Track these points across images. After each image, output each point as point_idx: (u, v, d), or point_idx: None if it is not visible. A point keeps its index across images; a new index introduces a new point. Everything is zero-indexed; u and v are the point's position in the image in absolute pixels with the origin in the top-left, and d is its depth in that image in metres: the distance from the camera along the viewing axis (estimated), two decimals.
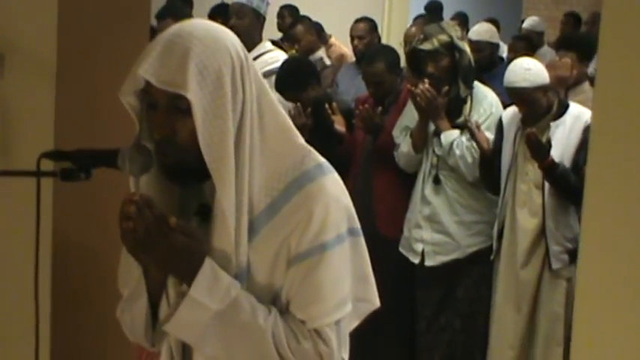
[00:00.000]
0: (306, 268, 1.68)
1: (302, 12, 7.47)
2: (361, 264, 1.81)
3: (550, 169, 3.83)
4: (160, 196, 1.71)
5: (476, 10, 10.21)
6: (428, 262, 4.24)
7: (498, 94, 4.31)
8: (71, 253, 2.63)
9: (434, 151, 4.21)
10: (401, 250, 4.35)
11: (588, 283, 2.16)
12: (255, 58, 4.63)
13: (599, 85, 2.19)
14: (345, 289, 1.74)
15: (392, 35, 8.19)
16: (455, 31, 4.20)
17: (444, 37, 4.13)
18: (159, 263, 1.66)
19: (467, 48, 4.21)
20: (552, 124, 3.93)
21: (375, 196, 4.43)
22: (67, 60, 2.58)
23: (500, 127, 4.12)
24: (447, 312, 4.28)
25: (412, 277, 4.36)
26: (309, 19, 6.94)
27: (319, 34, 6.92)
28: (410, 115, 4.28)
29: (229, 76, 1.64)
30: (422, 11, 9.15)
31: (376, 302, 1.87)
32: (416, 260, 4.28)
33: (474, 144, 4.08)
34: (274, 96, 1.83)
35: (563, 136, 3.90)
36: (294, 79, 4.44)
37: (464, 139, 4.12)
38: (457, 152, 4.10)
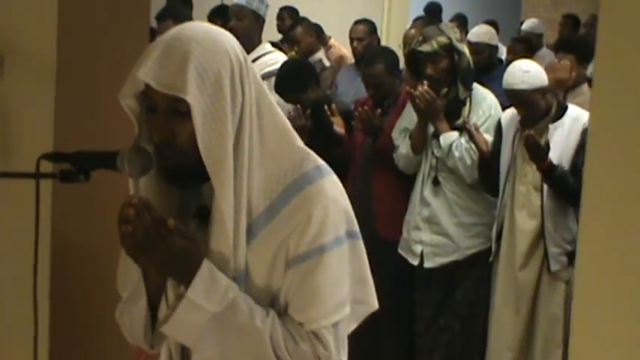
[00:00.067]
0: (304, 270, 1.68)
1: (301, 14, 7.48)
2: (360, 266, 1.81)
3: (548, 171, 3.83)
4: (159, 198, 1.72)
5: (475, 12, 10.22)
6: (427, 264, 4.24)
7: (497, 96, 4.32)
8: (70, 254, 2.63)
9: (433, 153, 4.21)
10: (400, 251, 4.36)
11: (586, 285, 2.16)
12: (254, 60, 4.64)
13: (597, 88, 2.19)
14: (344, 292, 1.74)
15: (391, 37, 8.19)
16: (454, 33, 4.21)
17: (443, 39, 4.14)
18: (157, 266, 1.67)
19: (466, 50, 4.21)
20: (551, 126, 3.93)
21: (375, 198, 4.44)
22: (66, 61, 2.58)
23: (499, 129, 4.13)
24: (445, 314, 4.28)
25: (411, 278, 4.36)
26: (309, 21, 6.94)
27: (319, 36, 6.92)
28: (409, 117, 4.28)
29: (229, 79, 1.64)
30: (421, 13, 9.16)
31: (374, 304, 1.87)
32: (415, 262, 4.28)
33: (473, 146, 4.08)
34: (273, 98, 1.84)
35: (562, 138, 3.90)
36: (293, 81, 4.45)
37: (463, 140, 4.12)
38: (456, 154, 4.10)
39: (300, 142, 1.77)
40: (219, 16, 6.15)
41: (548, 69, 4.37)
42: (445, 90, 4.11)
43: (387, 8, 8.54)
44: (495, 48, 6.25)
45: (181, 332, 1.69)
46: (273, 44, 5.08)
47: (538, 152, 3.82)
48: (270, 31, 6.54)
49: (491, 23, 7.59)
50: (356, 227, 1.79)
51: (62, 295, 2.60)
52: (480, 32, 6.16)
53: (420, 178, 4.29)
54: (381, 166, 4.43)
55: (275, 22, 7.45)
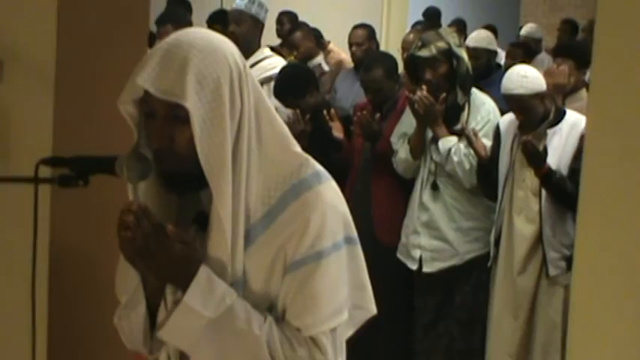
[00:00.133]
0: (302, 275, 1.68)
1: (301, 18, 7.48)
2: (358, 272, 1.81)
3: (547, 177, 3.83)
4: (158, 204, 1.72)
5: (474, 17, 10.22)
6: (426, 269, 4.24)
7: (496, 101, 4.32)
8: (68, 259, 2.63)
9: (432, 158, 4.22)
10: (399, 256, 4.36)
11: (583, 290, 2.16)
12: (253, 65, 4.64)
13: (593, 93, 2.20)
14: (342, 297, 1.74)
15: (390, 42, 8.21)
16: (452, 38, 4.21)
17: (441, 44, 4.14)
18: (156, 271, 1.67)
19: (464, 55, 4.22)
20: (549, 131, 3.93)
21: (373, 203, 4.44)
22: (65, 66, 2.59)
23: (497, 134, 4.13)
24: (444, 319, 4.28)
25: (410, 283, 4.36)
26: (308, 26, 6.95)
27: (318, 41, 6.93)
28: (408, 122, 4.28)
29: (228, 85, 1.64)
30: (420, 18, 9.17)
31: (373, 310, 1.87)
32: (414, 267, 4.28)
33: (472, 151, 4.08)
34: (272, 103, 1.85)
35: (560, 144, 3.90)
36: (292, 86, 4.45)
37: (462, 145, 4.12)
38: (455, 159, 4.10)
39: (298, 148, 1.78)
40: (218, 21, 6.16)
41: (547, 74, 4.37)
42: (444, 95, 4.12)
43: (386, 13, 8.55)
44: (494, 53, 6.25)
45: (178, 337, 1.69)
46: (272, 49, 5.09)
47: (536, 158, 3.83)
48: (270, 35, 6.55)
49: (490, 28, 7.60)
50: (354, 233, 1.79)
51: (60, 300, 2.60)
52: (479, 37, 6.16)
53: (418, 183, 4.29)
54: (380, 170, 4.43)
55: (274, 26, 7.45)
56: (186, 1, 7.30)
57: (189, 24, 5.41)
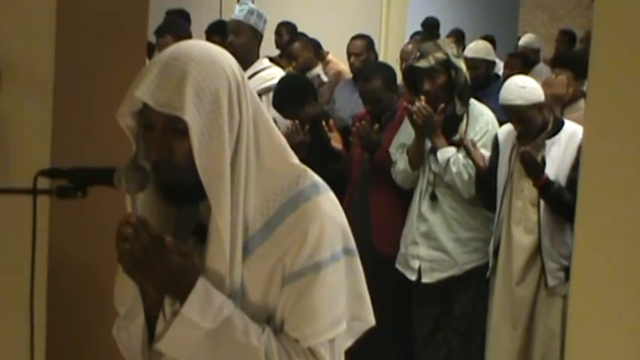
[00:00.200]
0: (300, 287, 1.68)
1: (299, 29, 7.50)
2: (356, 283, 1.81)
3: (545, 188, 3.84)
4: (157, 215, 1.72)
5: (472, 27, 10.25)
6: (424, 279, 4.24)
7: (494, 112, 4.33)
8: (67, 270, 2.63)
9: (430, 168, 4.22)
10: (397, 266, 4.35)
11: (581, 300, 2.16)
12: (252, 75, 4.65)
13: (590, 103, 2.21)
14: (340, 309, 1.74)
15: (389, 52, 8.22)
16: (451, 49, 4.22)
17: (440, 55, 4.15)
18: (155, 283, 1.67)
19: (463, 65, 4.22)
20: (547, 141, 3.94)
21: (372, 213, 4.44)
22: (64, 77, 2.59)
23: (495, 145, 4.13)
24: (443, 329, 4.27)
25: (408, 294, 4.36)
26: (307, 36, 6.96)
27: (316, 51, 6.94)
28: (406, 132, 4.29)
29: (226, 98, 1.65)
30: (419, 28, 9.19)
31: (371, 321, 1.86)
32: (413, 277, 4.27)
33: (470, 161, 4.09)
34: (271, 113, 1.85)
35: (559, 154, 3.91)
36: (291, 97, 4.45)
37: (460, 156, 4.12)
38: (453, 169, 4.11)
39: (296, 160, 1.78)
40: (217, 32, 6.17)
41: (545, 85, 4.38)
42: (442, 106, 4.12)
43: (385, 24, 8.56)
44: (492, 63, 6.27)
45: (176, 349, 1.69)
46: (271, 59, 5.09)
47: (534, 169, 3.83)
48: (268, 46, 6.56)
49: (489, 39, 7.62)
50: (352, 244, 1.80)
51: (59, 311, 2.60)
52: (477, 48, 6.18)
53: (417, 194, 4.29)
54: (379, 181, 4.43)
55: (273, 37, 7.46)
56: (184, 12, 7.31)
57: (188, 35, 5.42)
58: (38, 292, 1.78)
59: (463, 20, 10.78)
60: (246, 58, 4.65)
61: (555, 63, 5.19)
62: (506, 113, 4.05)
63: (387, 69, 4.66)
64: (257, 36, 4.86)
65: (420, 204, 4.26)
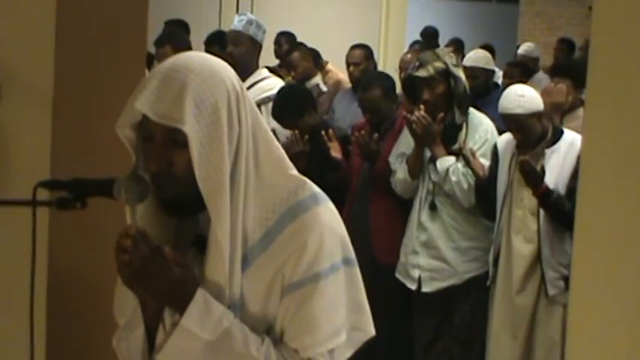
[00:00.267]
0: (299, 297, 1.68)
1: (299, 39, 7.51)
2: (356, 293, 1.80)
3: (545, 197, 3.84)
4: (157, 226, 1.72)
5: (471, 37, 10.27)
6: (424, 289, 4.24)
7: (493, 121, 4.33)
8: (67, 282, 2.63)
9: (430, 178, 4.22)
10: (397, 276, 4.35)
11: (580, 309, 2.16)
12: (251, 86, 4.66)
13: (589, 111, 2.21)
14: (339, 319, 1.74)
15: (388, 61, 8.22)
16: (450, 58, 4.23)
17: (439, 64, 4.16)
18: (154, 294, 1.67)
19: (462, 75, 4.23)
20: (547, 150, 3.94)
21: (372, 223, 4.44)
22: (63, 89, 2.59)
23: (495, 154, 4.14)
24: (444, 338, 4.27)
25: (409, 303, 4.35)
26: (306, 46, 6.97)
27: (316, 61, 6.95)
28: (406, 142, 4.29)
29: (226, 109, 1.65)
30: (418, 37, 9.21)
31: (371, 331, 1.86)
32: (413, 286, 4.27)
33: (470, 170, 4.09)
34: (270, 123, 1.86)
35: (558, 163, 3.91)
36: (290, 106, 4.45)
37: (460, 165, 4.13)
38: (453, 178, 4.11)
39: (294, 171, 1.78)
40: (216, 42, 6.17)
41: (545, 93, 4.38)
42: (441, 115, 4.13)
43: (384, 33, 8.57)
44: (491, 72, 6.27)
45: (176, 359, 1.68)
46: (270, 69, 5.10)
47: (534, 178, 3.83)
48: (268, 56, 6.57)
49: (488, 48, 7.63)
50: (352, 254, 1.80)
51: (59, 322, 2.59)
52: (476, 57, 6.18)
53: (417, 203, 4.29)
54: (379, 190, 4.43)
55: (272, 47, 7.47)
56: (184, 23, 7.32)
57: (188, 45, 5.43)
58: (38, 304, 1.78)
59: (462, 29, 10.81)
60: (246, 68, 4.66)
61: (554, 72, 5.20)
62: (505, 122, 4.05)
63: (386, 78, 4.67)
64: (256, 46, 4.87)
65: (419, 213, 4.26)
